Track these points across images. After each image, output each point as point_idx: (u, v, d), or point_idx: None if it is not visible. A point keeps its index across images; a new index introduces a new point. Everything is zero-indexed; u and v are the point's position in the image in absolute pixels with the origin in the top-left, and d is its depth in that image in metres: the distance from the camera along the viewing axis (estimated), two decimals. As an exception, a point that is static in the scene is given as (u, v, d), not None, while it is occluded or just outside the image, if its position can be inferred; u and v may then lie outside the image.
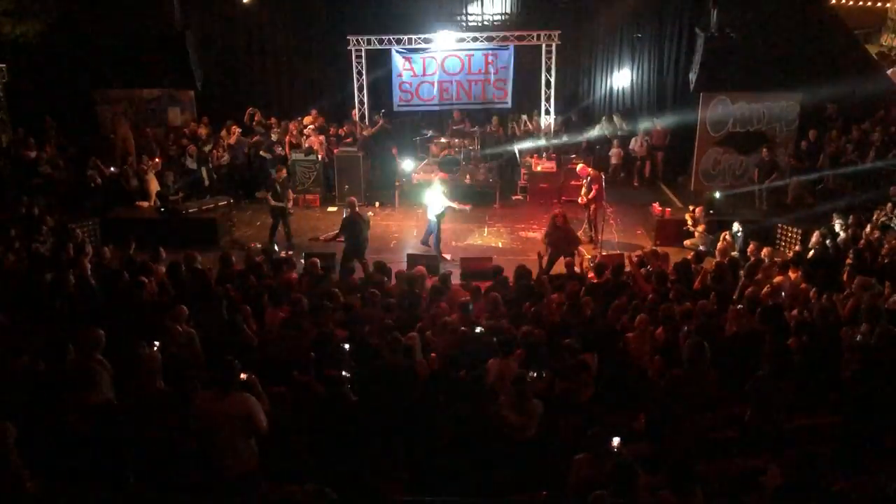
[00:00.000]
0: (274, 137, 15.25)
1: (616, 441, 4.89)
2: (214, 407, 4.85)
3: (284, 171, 12.66)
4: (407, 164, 15.01)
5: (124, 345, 6.17)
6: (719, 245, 10.37)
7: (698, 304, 7.43)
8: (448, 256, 11.70)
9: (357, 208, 11.35)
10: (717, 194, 13.07)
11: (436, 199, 11.72)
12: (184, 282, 8.48)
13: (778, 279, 8.50)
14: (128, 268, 8.86)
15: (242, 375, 5.09)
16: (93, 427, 5.05)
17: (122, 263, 9.11)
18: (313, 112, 15.88)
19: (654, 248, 10.66)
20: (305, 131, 15.31)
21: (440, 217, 11.73)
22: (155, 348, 5.95)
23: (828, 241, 9.92)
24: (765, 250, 9.59)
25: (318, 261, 9.37)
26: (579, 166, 13.09)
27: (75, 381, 5.22)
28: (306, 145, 14.95)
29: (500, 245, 12.60)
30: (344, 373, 5.90)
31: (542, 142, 15.64)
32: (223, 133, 15.25)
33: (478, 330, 6.92)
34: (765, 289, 8.13)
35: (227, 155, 14.96)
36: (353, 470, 5.15)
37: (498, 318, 7.43)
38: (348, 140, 15.61)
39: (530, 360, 6.21)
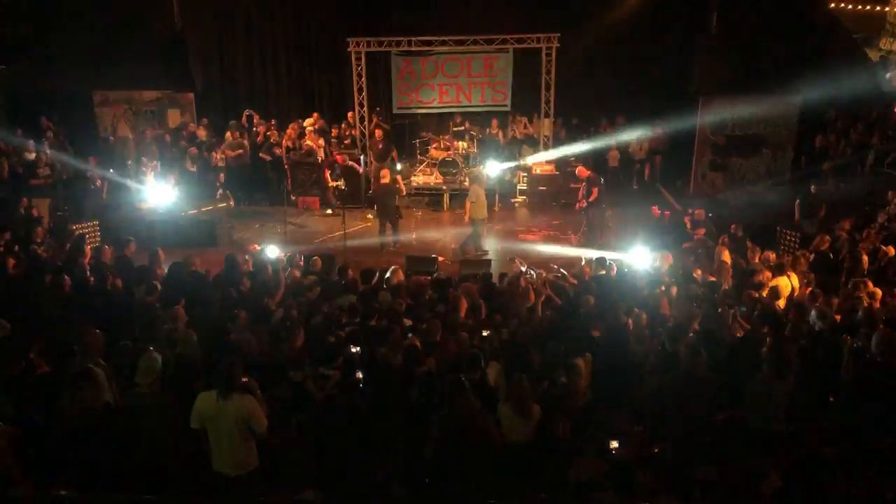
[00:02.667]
0: (273, 140, 15.23)
1: (614, 444, 4.89)
2: (215, 408, 4.85)
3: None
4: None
5: (122, 346, 6.17)
6: (718, 248, 10.35)
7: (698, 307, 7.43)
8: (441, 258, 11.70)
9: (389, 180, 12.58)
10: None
11: (476, 205, 11.95)
12: (182, 284, 8.48)
13: (776, 282, 8.49)
14: (125, 270, 8.87)
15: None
16: (91, 429, 5.04)
17: (120, 265, 9.11)
18: (314, 115, 15.89)
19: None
20: (305, 134, 15.31)
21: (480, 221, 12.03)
22: (152, 350, 5.93)
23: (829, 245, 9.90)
24: (767, 254, 9.60)
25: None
26: (578, 168, 13.10)
27: (75, 384, 5.20)
28: (305, 147, 14.95)
29: (499, 248, 12.59)
30: (359, 375, 5.94)
31: (542, 145, 15.66)
32: (228, 136, 15.17)
33: (485, 334, 6.93)
34: (764, 292, 8.13)
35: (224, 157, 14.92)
36: (354, 472, 5.15)
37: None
38: (347, 142, 15.61)
39: (519, 363, 6.18)
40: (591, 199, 12.18)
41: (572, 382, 5.83)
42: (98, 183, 13.42)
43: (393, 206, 12.75)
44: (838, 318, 7.45)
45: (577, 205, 12.56)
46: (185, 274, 8.65)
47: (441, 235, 13.20)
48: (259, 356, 6.54)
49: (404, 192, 13.77)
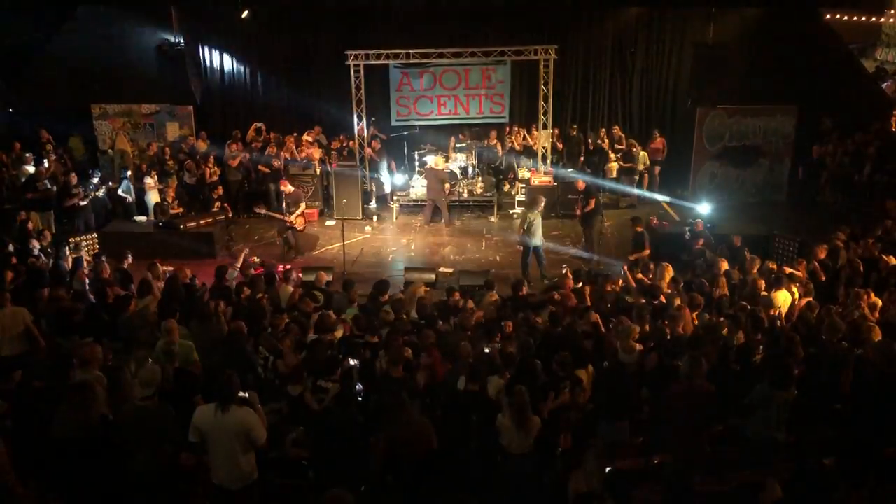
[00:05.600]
0: (272, 152, 15.25)
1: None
2: (214, 421, 4.84)
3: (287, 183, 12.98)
4: (398, 179, 15.42)
5: (120, 359, 6.17)
6: (717, 259, 10.34)
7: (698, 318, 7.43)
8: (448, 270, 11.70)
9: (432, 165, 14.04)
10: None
11: (538, 229, 11.51)
12: (179, 296, 8.48)
13: (775, 292, 8.49)
14: (123, 282, 8.87)
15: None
16: (88, 442, 5.02)
17: (118, 277, 9.11)
18: (317, 128, 15.92)
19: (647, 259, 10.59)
20: (303, 144, 15.34)
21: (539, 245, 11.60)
22: (151, 362, 5.93)
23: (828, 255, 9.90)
24: (766, 264, 9.61)
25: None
26: (577, 180, 13.12)
27: (72, 396, 5.19)
28: (304, 157, 14.97)
29: (497, 259, 12.60)
30: (359, 387, 5.95)
31: (540, 156, 15.68)
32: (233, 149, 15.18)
33: (487, 350, 6.92)
34: (762, 302, 8.14)
35: (218, 170, 14.91)
36: (353, 484, 5.13)
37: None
38: (345, 154, 15.64)
39: (522, 376, 6.17)
40: (587, 210, 12.18)
41: (575, 395, 5.82)
42: (84, 199, 13.16)
43: (440, 191, 14.06)
44: (838, 327, 7.44)
45: (578, 213, 12.55)
46: (182, 286, 8.66)
47: (439, 247, 13.22)
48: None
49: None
